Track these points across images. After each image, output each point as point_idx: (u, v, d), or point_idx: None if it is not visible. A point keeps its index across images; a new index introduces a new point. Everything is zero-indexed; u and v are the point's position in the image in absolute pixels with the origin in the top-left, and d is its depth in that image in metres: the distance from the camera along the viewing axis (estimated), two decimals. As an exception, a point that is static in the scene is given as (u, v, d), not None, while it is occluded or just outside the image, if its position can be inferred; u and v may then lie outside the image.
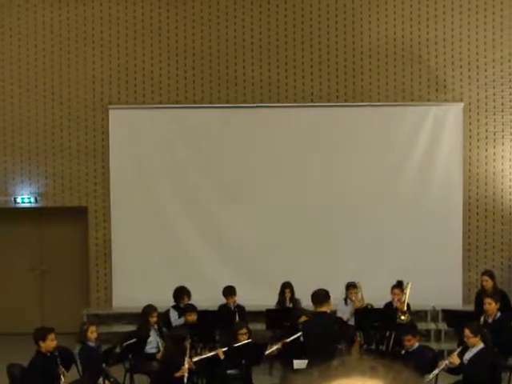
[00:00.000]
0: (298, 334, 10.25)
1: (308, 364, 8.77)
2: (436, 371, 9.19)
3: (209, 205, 14.47)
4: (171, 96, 14.56)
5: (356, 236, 14.32)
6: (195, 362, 9.96)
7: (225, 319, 12.05)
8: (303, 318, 10.69)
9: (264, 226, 14.42)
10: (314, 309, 9.32)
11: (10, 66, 14.55)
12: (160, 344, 11.08)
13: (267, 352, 10.55)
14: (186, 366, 9.60)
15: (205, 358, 10.21)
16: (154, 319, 11.31)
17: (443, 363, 9.26)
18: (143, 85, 14.55)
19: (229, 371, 10.24)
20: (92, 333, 10.04)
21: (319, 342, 8.51)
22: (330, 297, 9.04)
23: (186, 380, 9.54)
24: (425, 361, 9.59)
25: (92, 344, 10.03)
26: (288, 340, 10.44)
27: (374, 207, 14.37)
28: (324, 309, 8.80)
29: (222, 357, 10.00)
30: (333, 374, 1.82)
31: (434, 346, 12.16)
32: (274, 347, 10.64)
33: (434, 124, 14.42)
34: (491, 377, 9.27)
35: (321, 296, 8.88)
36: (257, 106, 14.50)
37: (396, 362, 1.84)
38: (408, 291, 11.84)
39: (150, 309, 11.36)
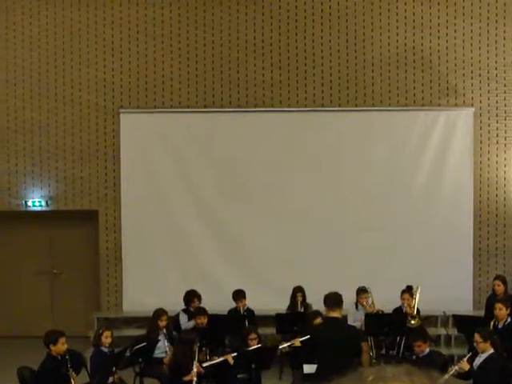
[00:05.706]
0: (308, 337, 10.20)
1: (317, 370, 8.72)
2: (446, 377, 9.14)
3: (219, 209, 14.48)
4: (182, 100, 14.58)
5: (366, 241, 14.29)
6: (204, 367, 9.96)
7: (234, 323, 12.02)
8: (318, 320, 10.52)
9: (274, 230, 14.42)
10: (325, 313, 9.28)
11: (21, 69, 14.59)
12: (168, 348, 11.06)
13: (281, 347, 10.60)
14: (195, 370, 9.59)
15: (214, 363, 10.20)
16: (164, 323, 11.24)
17: (453, 369, 9.22)
18: (154, 89, 14.58)
19: (239, 375, 10.23)
20: (106, 337, 10.06)
21: (329, 349, 8.45)
22: (342, 301, 9.01)
23: (194, 384, 9.54)
24: (435, 366, 9.55)
25: (105, 349, 10.04)
26: (300, 339, 10.42)
27: (385, 212, 14.36)
28: (336, 314, 8.74)
29: (232, 362, 10.00)
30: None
31: (444, 351, 12.11)
32: (287, 344, 10.69)
33: (445, 129, 14.40)
34: (501, 382, 9.22)
35: (334, 300, 8.83)
36: (267, 111, 14.49)
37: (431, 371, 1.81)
38: (417, 296, 11.81)
39: (159, 312, 11.30)
